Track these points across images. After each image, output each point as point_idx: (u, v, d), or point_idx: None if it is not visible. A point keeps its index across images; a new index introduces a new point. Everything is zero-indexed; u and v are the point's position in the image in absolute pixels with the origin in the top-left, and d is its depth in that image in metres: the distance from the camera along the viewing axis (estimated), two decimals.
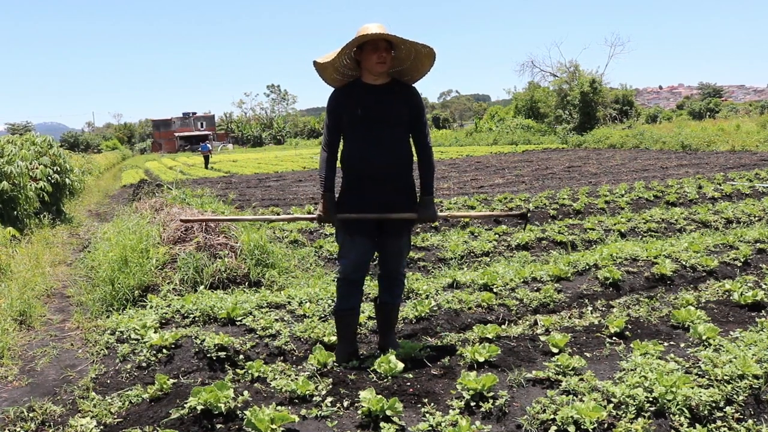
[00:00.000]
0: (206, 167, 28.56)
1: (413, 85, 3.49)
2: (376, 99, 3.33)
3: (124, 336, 3.86)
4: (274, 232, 7.43)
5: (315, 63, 3.32)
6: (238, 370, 3.46)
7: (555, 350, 3.48)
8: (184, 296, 4.70)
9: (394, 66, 3.40)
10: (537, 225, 7.99)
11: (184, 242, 5.86)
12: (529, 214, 4.14)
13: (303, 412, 2.83)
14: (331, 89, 3.46)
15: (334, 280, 3.76)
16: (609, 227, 7.39)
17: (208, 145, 31.46)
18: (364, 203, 3.35)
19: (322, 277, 5.58)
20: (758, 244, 5.97)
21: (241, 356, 3.67)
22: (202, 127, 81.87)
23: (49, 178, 10.47)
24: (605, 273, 5.02)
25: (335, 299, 3.60)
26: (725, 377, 2.91)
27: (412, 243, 6.62)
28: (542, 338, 3.71)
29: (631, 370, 3.07)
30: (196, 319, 4.21)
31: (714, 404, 2.73)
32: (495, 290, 4.74)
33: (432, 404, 2.87)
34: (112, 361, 3.61)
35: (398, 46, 3.29)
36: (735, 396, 2.80)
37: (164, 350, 3.62)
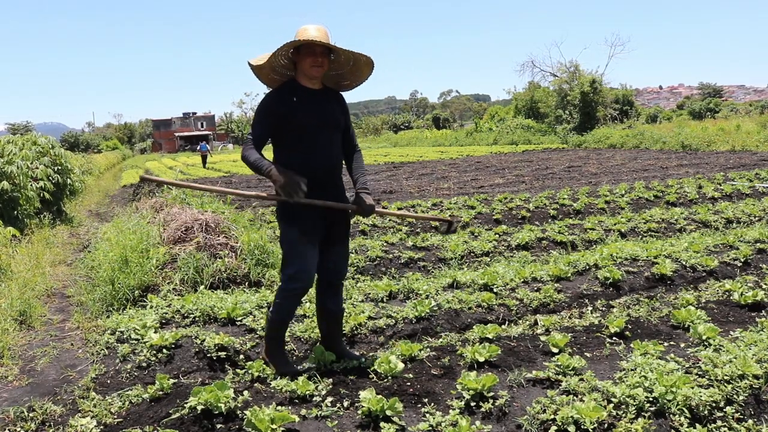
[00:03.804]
0: (204, 166, 28.78)
1: (350, 91, 3.49)
2: (317, 104, 3.26)
3: (124, 336, 3.86)
4: (274, 232, 7.42)
5: (249, 65, 3.26)
6: (238, 370, 3.46)
7: (555, 350, 3.48)
8: (184, 296, 4.70)
9: (333, 69, 3.36)
10: (537, 225, 7.99)
11: (184, 242, 5.86)
12: (455, 222, 4.01)
13: (303, 412, 2.83)
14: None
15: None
16: (609, 227, 7.39)
17: (207, 145, 31.75)
18: (315, 210, 3.23)
19: None
20: (758, 244, 5.96)
21: (241, 356, 3.67)
22: (202, 127, 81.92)
23: (50, 178, 10.47)
24: (605, 273, 5.02)
25: (279, 311, 3.31)
26: (725, 377, 2.91)
27: (412, 243, 6.66)
28: (542, 338, 3.71)
29: (631, 370, 3.07)
30: (197, 319, 4.21)
31: (714, 404, 2.74)
32: (495, 290, 4.74)
33: (432, 404, 2.87)
34: (112, 361, 3.61)
35: (336, 51, 3.24)
36: (735, 396, 2.81)
37: (164, 350, 3.62)
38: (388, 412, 2.72)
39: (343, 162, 3.49)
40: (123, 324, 4.01)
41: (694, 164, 16.41)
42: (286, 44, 3.14)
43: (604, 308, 4.57)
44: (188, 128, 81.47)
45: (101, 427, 2.89)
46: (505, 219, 8.38)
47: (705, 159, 18.06)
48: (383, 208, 8.59)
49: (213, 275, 5.29)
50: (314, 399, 2.97)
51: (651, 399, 2.76)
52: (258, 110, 3.25)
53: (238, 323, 4.11)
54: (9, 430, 2.91)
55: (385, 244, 6.62)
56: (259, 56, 3.26)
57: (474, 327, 4.04)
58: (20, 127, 63.74)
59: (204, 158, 30.33)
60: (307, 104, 3.23)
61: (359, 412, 2.79)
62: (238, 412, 2.82)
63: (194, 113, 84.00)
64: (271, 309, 3.39)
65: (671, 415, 2.67)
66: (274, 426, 2.61)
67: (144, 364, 3.51)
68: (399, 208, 9.41)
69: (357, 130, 75.75)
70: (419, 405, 2.89)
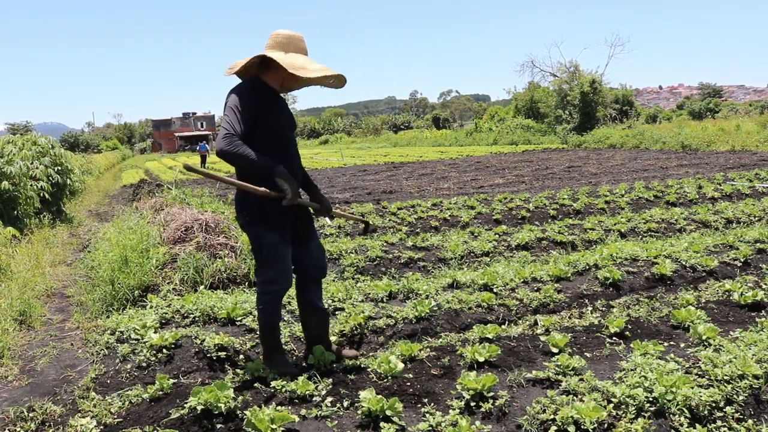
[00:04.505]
0: (203, 166, 28.86)
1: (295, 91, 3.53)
2: (284, 106, 3.29)
3: (124, 336, 3.86)
4: None
5: (268, 56, 3.14)
6: (238, 370, 3.46)
7: (555, 350, 3.48)
8: (184, 296, 4.70)
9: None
10: (537, 225, 7.99)
11: (184, 242, 5.87)
12: (371, 224, 4.23)
13: (303, 412, 2.83)
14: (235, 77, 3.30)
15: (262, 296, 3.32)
16: (609, 227, 7.39)
17: (206, 145, 31.96)
18: (291, 212, 3.26)
19: None
20: (758, 244, 5.96)
21: (241, 356, 3.67)
22: (202, 127, 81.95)
23: (50, 178, 10.48)
24: (605, 273, 5.02)
25: (264, 316, 3.29)
26: (725, 377, 2.91)
27: (412, 243, 6.67)
28: (542, 338, 3.71)
29: (631, 370, 3.07)
30: (196, 319, 4.21)
31: (714, 404, 2.74)
32: (495, 290, 4.74)
33: (432, 404, 2.87)
34: (112, 361, 3.61)
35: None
36: (735, 396, 2.81)
37: (164, 350, 3.62)
38: (388, 412, 2.72)
39: None
40: (123, 324, 4.01)
41: (694, 164, 16.41)
42: (319, 78, 3.19)
43: (604, 308, 4.57)
44: (188, 128, 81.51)
45: (101, 427, 2.89)
46: (505, 219, 8.38)
47: (705, 159, 18.07)
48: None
49: (213, 275, 5.29)
50: (314, 399, 2.97)
51: (651, 399, 2.76)
52: (237, 104, 3.03)
53: (238, 323, 4.11)
54: (9, 430, 2.91)
55: (385, 244, 6.62)
56: (289, 57, 3.14)
57: (474, 327, 4.04)
58: (20, 127, 63.71)
59: (203, 158, 30.49)
60: (277, 106, 3.24)
61: (359, 412, 2.79)
62: (238, 412, 2.82)
63: (194, 113, 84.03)
64: (257, 317, 3.37)
65: (671, 415, 2.67)
66: (274, 426, 2.61)
67: (144, 364, 3.51)
68: (399, 208, 9.42)
69: (356, 130, 75.81)
70: (419, 405, 2.89)
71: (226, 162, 2.98)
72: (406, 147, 42.56)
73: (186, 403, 2.85)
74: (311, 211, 3.46)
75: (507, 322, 4.32)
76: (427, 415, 2.75)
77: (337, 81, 3.34)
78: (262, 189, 3.09)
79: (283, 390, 3.05)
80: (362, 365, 3.40)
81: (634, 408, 2.70)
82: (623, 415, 2.67)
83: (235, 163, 3.00)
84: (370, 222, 3.92)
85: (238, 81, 3.27)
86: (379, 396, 2.78)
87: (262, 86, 3.20)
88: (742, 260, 5.50)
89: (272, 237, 3.20)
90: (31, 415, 3.01)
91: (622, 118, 37.70)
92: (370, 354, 3.73)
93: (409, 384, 3.10)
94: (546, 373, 3.12)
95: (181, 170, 26.43)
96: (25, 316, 4.65)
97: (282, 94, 3.39)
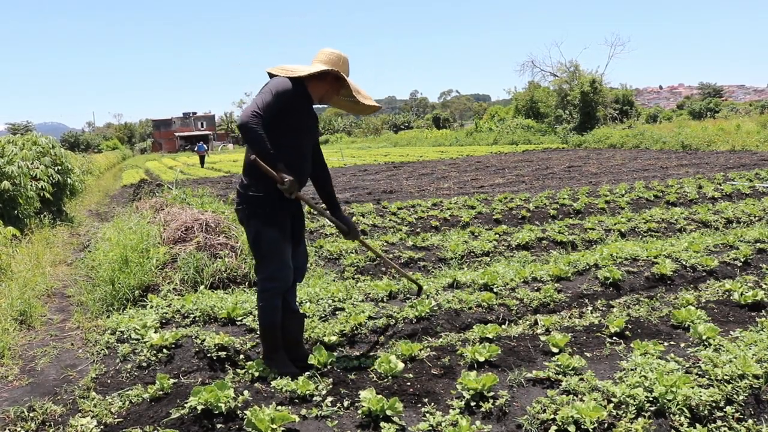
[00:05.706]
0: (202, 166, 29.10)
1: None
2: (314, 115, 3.43)
3: (125, 336, 3.86)
4: None
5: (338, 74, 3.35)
6: (238, 370, 3.47)
7: (555, 350, 3.48)
8: (185, 296, 4.70)
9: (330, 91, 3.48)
10: (537, 225, 7.99)
11: (185, 242, 5.87)
12: (424, 289, 4.43)
13: (303, 412, 2.83)
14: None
15: (264, 295, 3.33)
16: (609, 227, 7.39)
17: (205, 145, 32.40)
18: (289, 210, 3.30)
19: (322, 277, 5.59)
20: (758, 244, 5.96)
21: (242, 356, 3.67)
22: (202, 127, 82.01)
23: (51, 177, 10.48)
24: (605, 273, 5.02)
25: (265, 314, 3.30)
26: (725, 377, 2.91)
27: (412, 243, 6.67)
28: (542, 338, 3.71)
29: (632, 369, 3.07)
30: (197, 318, 4.21)
31: (714, 404, 2.74)
32: (495, 290, 4.75)
33: (432, 404, 2.87)
34: (112, 360, 3.61)
35: (347, 87, 3.43)
36: (735, 396, 2.81)
37: (164, 350, 3.62)
38: (388, 412, 2.72)
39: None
40: (123, 324, 4.02)
41: (694, 164, 16.40)
42: (371, 107, 3.52)
43: (604, 308, 4.57)
44: (188, 128, 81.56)
45: (101, 426, 2.89)
46: (505, 219, 8.38)
47: (705, 159, 18.06)
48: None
49: (213, 275, 5.29)
50: (314, 399, 2.97)
51: (651, 399, 2.76)
52: (275, 90, 3.13)
53: (238, 323, 4.11)
54: (9, 430, 2.91)
55: (385, 243, 6.62)
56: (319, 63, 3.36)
57: (474, 327, 4.04)
58: (20, 127, 63.76)
59: (202, 158, 30.78)
60: (306, 110, 3.33)
61: (359, 411, 2.79)
62: (238, 412, 2.82)
63: (194, 113, 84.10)
64: (257, 314, 3.37)
65: (671, 415, 2.67)
66: (274, 426, 2.61)
67: (144, 364, 3.51)
68: (399, 208, 9.41)
69: (357, 130, 75.72)
70: (419, 405, 2.89)
71: (242, 133, 3.07)
72: (406, 147, 42.57)
73: (186, 402, 2.85)
74: (337, 231, 3.52)
75: (507, 322, 4.32)
76: (428, 414, 2.75)
77: (366, 110, 3.59)
78: (276, 173, 3.09)
79: (284, 390, 3.05)
80: (362, 365, 3.40)
81: (634, 408, 2.70)
82: (623, 414, 2.67)
83: (250, 139, 3.05)
84: (423, 286, 4.14)
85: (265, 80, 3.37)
86: (380, 396, 2.79)
87: (304, 89, 3.31)
88: (742, 260, 5.50)
89: (272, 232, 3.23)
90: (31, 414, 3.01)
91: (622, 118, 37.69)
92: (370, 354, 3.74)
93: (409, 384, 3.11)
94: (546, 373, 3.12)
95: (181, 170, 26.44)
96: (25, 316, 4.65)
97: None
